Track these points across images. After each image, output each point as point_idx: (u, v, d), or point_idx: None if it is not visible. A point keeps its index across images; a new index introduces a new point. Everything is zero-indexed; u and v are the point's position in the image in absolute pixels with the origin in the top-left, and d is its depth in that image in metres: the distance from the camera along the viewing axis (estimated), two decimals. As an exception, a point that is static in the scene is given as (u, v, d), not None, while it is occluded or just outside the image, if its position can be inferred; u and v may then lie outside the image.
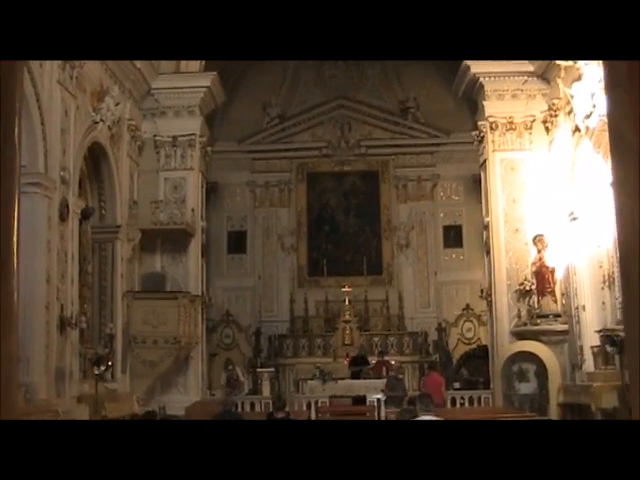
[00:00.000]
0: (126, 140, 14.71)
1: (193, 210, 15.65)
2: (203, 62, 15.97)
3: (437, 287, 20.30)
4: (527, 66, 15.14)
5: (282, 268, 20.58)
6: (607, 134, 10.01)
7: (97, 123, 12.99)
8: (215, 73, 15.85)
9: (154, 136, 15.80)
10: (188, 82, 15.68)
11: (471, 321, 19.44)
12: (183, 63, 15.70)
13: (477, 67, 15.41)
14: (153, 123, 15.84)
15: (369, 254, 20.26)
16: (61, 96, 11.28)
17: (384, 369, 15.80)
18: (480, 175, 16.89)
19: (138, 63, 14.52)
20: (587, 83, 12.57)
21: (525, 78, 15.33)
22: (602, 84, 11.93)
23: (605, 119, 11.59)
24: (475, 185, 18.73)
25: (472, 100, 17.15)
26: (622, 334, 10.99)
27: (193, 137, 15.88)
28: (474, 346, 18.64)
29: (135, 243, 14.78)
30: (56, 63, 10.94)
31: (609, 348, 10.86)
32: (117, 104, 13.71)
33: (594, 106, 12.40)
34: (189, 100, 15.84)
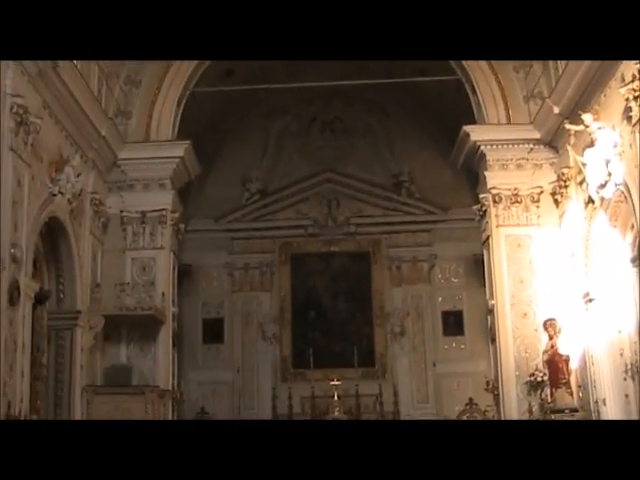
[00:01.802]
0: (89, 215, 14.20)
1: (163, 294, 15.04)
2: (175, 130, 15.69)
3: (436, 380, 19.60)
4: (533, 133, 14.89)
5: (263, 359, 19.87)
6: (624, 205, 9.57)
7: (55, 195, 12.44)
8: (189, 142, 15.48)
9: (120, 212, 15.30)
10: (159, 152, 15.27)
11: (475, 417, 18.64)
12: (153, 131, 15.37)
13: (477, 134, 15.14)
14: (119, 197, 15.36)
15: (360, 343, 19.59)
16: (13, 164, 10.75)
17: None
18: (482, 254, 16.44)
19: (103, 130, 14.15)
20: (600, 149, 12.23)
21: (531, 146, 15.03)
22: (617, 149, 11.65)
23: (622, 188, 11.31)
24: (476, 266, 18.27)
25: (472, 172, 16.85)
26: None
27: (164, 213, 15.38)
28: (479, 446, 17.88)
29: (97, 331, 14.10)
30: (7, 127, 10.47)
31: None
32: (78, 175, 13.22)
33: (609, 174, 12.05)
34: (160, 172, 15.39)
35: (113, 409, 13.60)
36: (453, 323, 19.87)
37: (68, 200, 12.93)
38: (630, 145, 11.36)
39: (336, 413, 17.64)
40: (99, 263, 14.75)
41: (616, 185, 11.88)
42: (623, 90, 11.05)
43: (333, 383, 17.93)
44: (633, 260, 12.14)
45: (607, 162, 12.03)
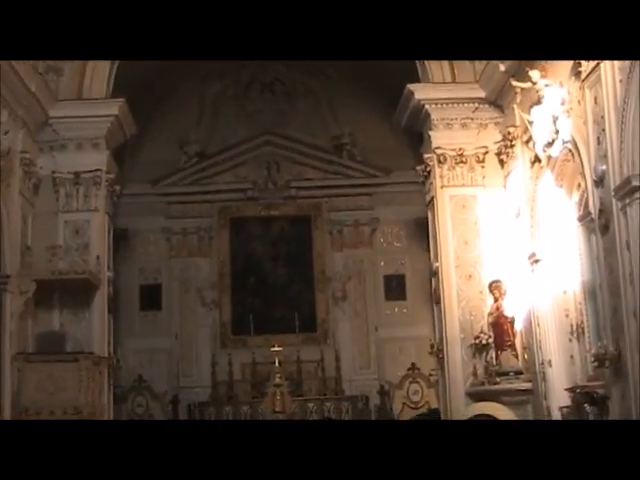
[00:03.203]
0: (18, 176, 13.45)
1: (98, 257, 14.43)
2: (110, 89, 15.02)
3: (378, 344, 19.32)
4: (478, 92, 14.60)
5: (202, 326, 19.35)
6: (570, 164, 9.34)
7: (-20, 154, 11.79)
8: (123, 100, 14.81)
9: (52, 172, 14.61)
10: (92, 110, 14.57)
11: (418, 382, 18.44)
12: (86, 88, 14.67)
13: (422, 93, 14.79)
14: (51, 157, 14.65)
15: (301, 309, 19.21)
16: None
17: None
18: (425, 218, 16.20)
19: (32, 86, 13.40)
20: (548, 106, 11.93)
21: (476, 105, 14.74)
22: (565, 106, 11.37)
23: (569, 146, 11.05)
24: (419, 230, 18.02)
25: (415, 135, 16.52)
26: (600, 391, 10.18)
27: (98, 174, 14.74)
28: (423, 410, 17.67)
29: (28, 296, 13.42)
30: None
31: (588, 408, 10.00)
32: (6, 133, 12.52)
33: (557, 132, 11.78)
34: (93, 131, 14.71)
35: (46, 377, 13.05)
36: (395, 287, 19.59)
37: (-5, 158, 12.24)
38: (578, 101, 11.10)
39: (277, 379, 17.19)
40: (29, 226, 14.03)
41: (563, 142, 11.63)
42: (572, 46, 10.74)
43: (274, 349, 17.44)
44: (580, 219, 11.96)
45: (554, 119, 11.75)
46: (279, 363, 17.30)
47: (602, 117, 10.24)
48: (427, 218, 16.03)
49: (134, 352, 18.50)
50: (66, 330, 14.24)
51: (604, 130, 10.21)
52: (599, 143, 10.40)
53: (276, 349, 17.46)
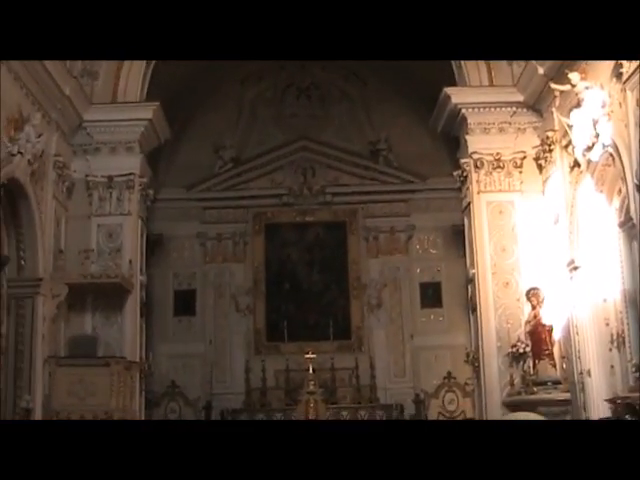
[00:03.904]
0: (51, 179, 13.45)
1: (131, 262, 14.35)
2: (144, 93, 14.96)
3: (413, 353, 19.02)
4: (516, 95, 14.31)
5: (236, 332, 19.18)
6: (611, 169, 9.03)
7: (14, 155, 11.68)
8: (157, 104, 14.74)
9: (86, 176, 14.57)
10: (126, 114, 14.53)
11: (454, 391, 18.13)
12: (121, 92, 14.62)
13: (458, 97, 14.54)
14: (85, 161, 14.61)
15: (336, 316, 18.98)
16: (-34, 119, 10.03)
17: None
18: (461, 225, 15.94)
19: (67, 89, 13.38)
20: (588, 109, 11.65)
21: (514, 109, 14.45)
22: (606, 109, 11.05)
23: (610, 150, 10.72)
24: (455, 237, 17.75)
25: (451, 140, 16.27)
26: (642, 402, 9.83)
27: (132, 177, 14.67)
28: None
29: (61, 300, 13.39)
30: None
31: (630, 419, 9.66)
32: (40, 135, 12.46)
33: (597, 136, 11.48)
34: (127, 135, 14.66)
35: (77, 381, 12.95)
36: (431, 295, 19.28)
37: (28, 161, 12.19)
38: (620, 104, 10.78)
39: (311, 387, 17.06)
40: (63, 229, 14.01)
41: (604, 147, 11.32)
42: (614, 47, 10.44)
43: (308, 356, 17.32)
44: (621, 225, 11.62)
45: (595, 123, 11.46)
46: (313, 370, 17.15)
47: (644, 119, 9.93)
48: (463, 225, 15.74)
49: (167, 357, 18.37)
50: (98, 334, 14.16)
51: (646, 133, 9.90)
52: (641, 146, 10.08)
53: (310, 356, 17.31)
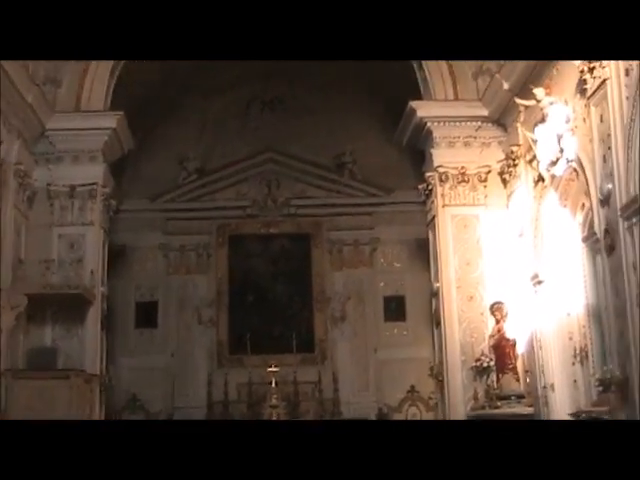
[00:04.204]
0: (12, 188, 13.19)
1: (92, 272, 14.14)
2: (108, 102, 14.78)
3: (377, 366, 18.95)
4: (481, 110, 14.36)
5: (199, 345, 19.02)
6: (575, 183, 9.04)
7: (-27, 164, 11.51)
8: (121, 113, 14.56)
9: (48, 185, 14.36)
10: (90, 123, 14.34)
11: (417, 405, 18.13)
12: (84, 101, 14.44)
13: (424, 110, 14.54)
14: (47, 170, 14.40)
15: (299, 328, 18.87)
16: None
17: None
18: (426, 239, 15.93)
19: (29, 97, 13.16)
20: (552, 124, 11.68)
21: (479, 124, 14.50)
22: (570, 124, 11.10)
23: (574, 165, 10.75)
24: (420, 251, 17.70)
25: (416, 154, 16.27)
26: (606, 417, 9.83)
27: (94, 187, 14.50)
28: (421, 434, 17.29)
29: (20, 311, 13.08)
30: None
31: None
32: (0, 143, 12.25)
33: (561, 151, 11.52)
34: (90, 144, 14.47)
35: (36, 395, 12.65)
36: (395, 308, 19.25)
37: (-12, 169, 11.97)
38: (584, 119, 10.85)
39: (274, 400, 16.92)
40: (23, 238, 13.75)
41: (568, 161, 11.36)
42: (578, 62, 10.50)
43: (271, 369, 17.19)
44: (584, 240, 11.66)
45: (559, 138, 11.51)
46: (276, 384, 17.01)
47: (608, 135, 9.97)
48: (428, 238, 15.73)
49: (129, 370, 18.12)
50: (58, 346, 13.90)
51: (610, 148, 9.94)
52: (605, 161, 10.13)
53: (273, 369, 17.17)
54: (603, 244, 10.20)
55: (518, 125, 13.08)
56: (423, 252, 16.85)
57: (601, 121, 10.20)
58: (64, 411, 12.53)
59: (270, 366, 17.28)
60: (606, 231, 10.08)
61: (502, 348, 13.68)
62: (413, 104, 14.60)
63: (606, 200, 10.06)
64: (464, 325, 14.20)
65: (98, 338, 14.42)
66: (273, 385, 17.00)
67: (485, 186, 14.59)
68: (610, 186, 9.90)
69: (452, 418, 13.97)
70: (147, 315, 19.06)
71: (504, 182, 14.31)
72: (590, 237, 11.18)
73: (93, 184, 14.50)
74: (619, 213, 9.68)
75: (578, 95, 10.96)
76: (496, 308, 13.93)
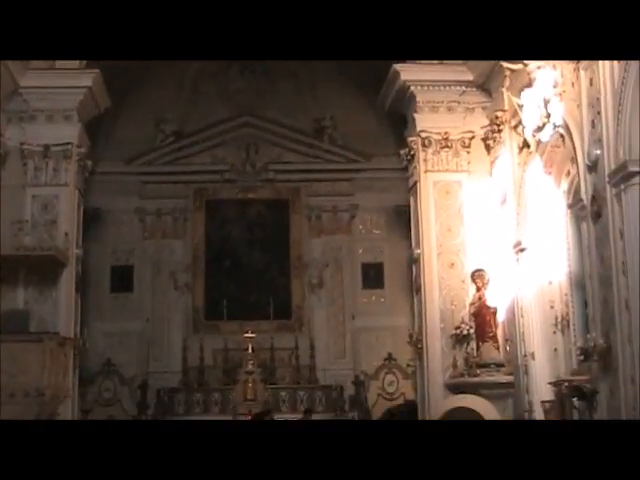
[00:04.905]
0: (-17, 147, 12.83)
1: (66, 234, 13.78)
2: (84, 60, 14.32)
3: (354, 334, 18.78)
4: (466, 74, 14.07)
5: (175, 310, 18.74)
6: (560, 150, 8.85)
7: (-59, 121, 11.10)
8: (97, 71, 14.10)
9: (21, 144, 13.92)
10: (65, 81, 13.88)
11: (393, 373, 17.99)
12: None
13: (408, 74, 14.23)
14: (20, 129, 13.97)
15: (276, 295, 18.62)
16: None
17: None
18: (405, 206, 15.75)
19: (2, 53, 12.70)
20: (539, 89, 11.44)
21: (463, 88, 14.23)
22: (558, 89, 10.85)
23: (561, 130, 10.52)
24: (399, 218, 17.57)
25: (399, 118, 15.93)
26: (588, 385, 9.70)
27: (69, 147, 14.07)
28: (398, 402, 17.15)
29: (-8, 272, 12.82)
30: None
31: (576, 402, 9.48)
32: (-29, 100, 11.86)
33: (548, 116, 11.27)
34: (65, 103, 14.01)
35: (8, 358, 12.27)
36: (373, 276, 19.05)
37: (-42, 127, 11.57)
38: (572, 84, 10.65)
39: (250, 366, 16.76)
40: (-6, 199, 13.38)
41: (555, 127, 11.15)
42: (567, 25, 10.22)
43: (247, 335, 17.01)
44: (570, 207, 11.48)
45: (546, 103, 11.27)
46: (252, 350, 16.84)
47: (598, 99, 9.76)
48: (408, 206, 15.50)
49: (103, 334, 17.82)
50: (31, 309, 13.56)
51: (599, 113, 9.73)
52: (594, 127, 9.92)
53: (249, 335, 16.99)
54: (589, 211, 10.02)
55: (504, 90, 12.86)
56: (402, 219, 16.67)
57: (590, 85, 9.99)
58: (36, 375, 12.25)
59: (246, 332, 17.10)
60: (593, 198, 9.90)
61: (482, 316, 13.53)
62: (397, 67, 14.24)
63: (594, 166, 9.86)
64: (444, 292, 14.00)
65: (72, 301, 14.10)
66: (249, 351, 16.83)
67: (468, 152, 14.34)
68: (598, 152, 9.70)
69: (431, 386, 13.82)
70: (122, 279, 18.76)
71: (488, 148, 14.07)
72: (575, 204, 11.00)
73: (68, 144, 14.09)
74: (607, 179, 9.50)
75: (567, 59, 10.71)
76: (477, 276, 13.76)
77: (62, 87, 13.93)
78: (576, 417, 10.27)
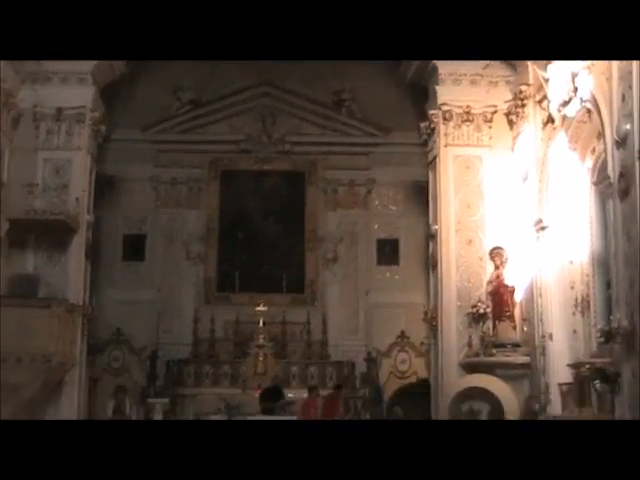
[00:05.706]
0: (-5, 107, 12.53)
1: (77, 200, 13.55)
2: (100, 23, 14.00)
3: (367, 310, 18.44)
4: (490, 47, 13.58)
5: (186, 280, 18.44)
6: (587, 126, 8.50)
7: (-49, 79, 10.80)
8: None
9: (34, 107, 13.71)
10: (80, 42, 13.57)
11: (406, 351, 17.58)
12: (75, 19, 13.64)
13: (431, 45, 13.76)
14: (33, 91, 13.69)
15: (290, 268, 18.29)
16: None
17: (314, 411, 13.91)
18: (423, 181, 15.38)
19: (16, 12, 12.37)
20: (567, 62, 10.98)
21: (486, 62, 13.75)
22: (586, 62, 10.44)
23: (589, 105, 10.11)
24: (416, 193, 17.18)
25: (419, 91, 15.57)
26: (611, 368, 9.35)
27: (83, 111, 13.88)
28: (410, 380, 16.83)
29: (1, 236, 12.58)
30: None
31: (599, 385, 9.13)
32: (-17, 59, 11.55)
33: (575, 90, 10.87)
34: (80, 65, 13.70)
35: (16, 323, 12.08)
36: (388, 252, 18.68)
37: (-30, 86, 11.28)
38: (602, 56, 10.16)
39: (261, 340, 16.57)
40: (6, 161, 13.09)
41: (582, 101, 10.75)
42: (599, -5, 9.79)
43: (259, 308, 16.80)
44: (595, 184, 11.09)
45: (573, 76, 10.87)
46: (263, 323, 16.64)
47: (629, 72, 9.32)
48: (426, 182, 15.14)
49: (113, 303, 17.53)
50: (40, 274, 13.36)
51: (630, 87, 9.30)
52: (624, 100, 9.51)
53: (261, 308, 16.77)
54: (616, 188, 9.62)
55: (529, 63, 12.43)
56: (419, 195, 16.32)
57: (622, 57, 9.55)
58: (44, 341, 12.07)
59: (258, 305, 16.85)
60: (621, 174, 9.52)
61: (500, 295, 13.20)
62: (419, 38, 13.84)
63: (623, 142, 9.47)
64: (461, 270, 13.68)
65: (82, 268, 13.89)
66: (261, 324, 16.60)
67: (490, 127, 14.00)
68: (628, 126, 9.30)
69: (445, 365, 13.51)
70: (134, 248, 18.45)
71: (510, 123, 13.71)
72: (601, 181, 10.63)
73: (81, 107, 13.89)
74: (637, 155, 9.10)
75: (597, 31, 10.27)
76: (496, 253, 13.42)
77: (77, 49, 13.61)
78: (595, 400, 9.96)
